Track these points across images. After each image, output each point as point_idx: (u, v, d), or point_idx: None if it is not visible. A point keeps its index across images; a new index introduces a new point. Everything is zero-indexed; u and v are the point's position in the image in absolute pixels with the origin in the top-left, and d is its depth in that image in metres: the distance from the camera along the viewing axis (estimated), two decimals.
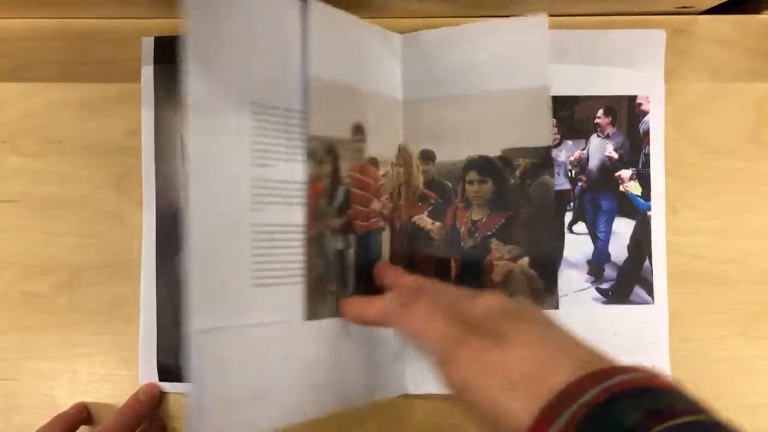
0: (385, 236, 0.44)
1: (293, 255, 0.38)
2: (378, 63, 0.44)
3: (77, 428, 0.43)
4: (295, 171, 0.38)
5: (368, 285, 0.42)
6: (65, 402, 0.43)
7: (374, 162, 0.43)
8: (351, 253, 0.41)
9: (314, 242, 0.39)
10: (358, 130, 0.42)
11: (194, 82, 0.34)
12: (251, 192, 0.36)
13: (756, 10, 0.47)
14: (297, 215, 0.38)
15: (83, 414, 0.44)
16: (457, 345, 0.30)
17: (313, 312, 0.38)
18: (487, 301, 0.32)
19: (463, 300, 0.33)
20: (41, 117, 0.46)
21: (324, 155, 0.39)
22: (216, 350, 0.34)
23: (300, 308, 0.38)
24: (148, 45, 0.45)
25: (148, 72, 0.45)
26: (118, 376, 0.45)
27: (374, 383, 0.42)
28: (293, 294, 0.38)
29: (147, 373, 0.44)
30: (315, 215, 0.39)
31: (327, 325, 0.39)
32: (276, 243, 0.37)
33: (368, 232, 0.42)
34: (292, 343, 0.37)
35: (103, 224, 0.46)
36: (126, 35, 0.46)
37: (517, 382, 0.27)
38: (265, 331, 0.36)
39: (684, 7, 0.45)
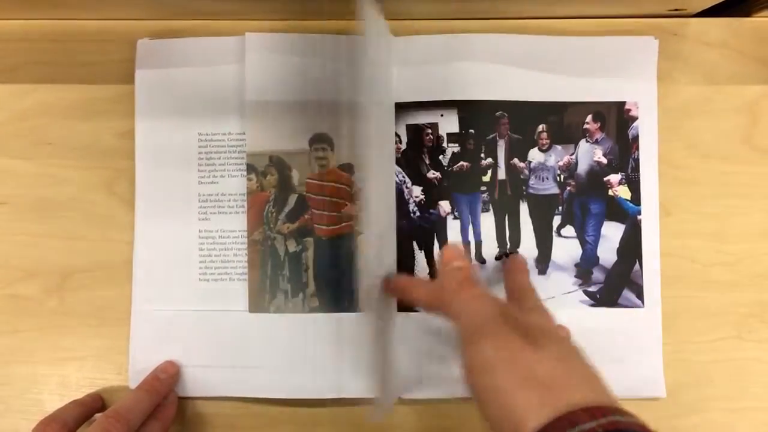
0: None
1: (238, 256, 0.44)
2: (358, 71, 0.44)
3: (92, 415, 0.42)
4: (238, 184, 0.44)
5: (335, 286, 0.44)
6: (54, 407, 0.42)
7: (348, 167, 0.44)
8: (308, 255, 0.44)
9: (257, 245, 0.44)
10: (321, 139, 0.44)
11: (143, 128, 0.45)
12: (199, 205, 0.44)
13: (747, 13, 0.47)
14: (241, 222, 0.44)
15: (98, 403, 0.44)
16: (496, 329, 0.31)
17: (257, 305, 0.44)
18: (535, 317, 0.36)
19: (514, 304, 0.38)
20: (32, 119, 0.46)
21: (267, 168, 0.44)
22: (160, 325, 0.44)
23: (244, 301, 0.44)
24: (142, 47, 0.45)
25: (142, 74, 0.45)
26: (109, 380, 0.45)
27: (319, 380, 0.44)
28: (238, 289, 0.44)
29: (137, 377, 0.43)
30: (257, 221, 0.44)
31: (275, 318, 0.44)
32: (222, 246, 0.45)
33: (338, 235, 0.45)
34: (237, 330, 0.44)
35: (93, 227, 0.46)
36: (117, 37, 0.45)
37: (538, 384, 0.28)
38: (211, 317, 0.44)
39: (676, 10, 0.45)
